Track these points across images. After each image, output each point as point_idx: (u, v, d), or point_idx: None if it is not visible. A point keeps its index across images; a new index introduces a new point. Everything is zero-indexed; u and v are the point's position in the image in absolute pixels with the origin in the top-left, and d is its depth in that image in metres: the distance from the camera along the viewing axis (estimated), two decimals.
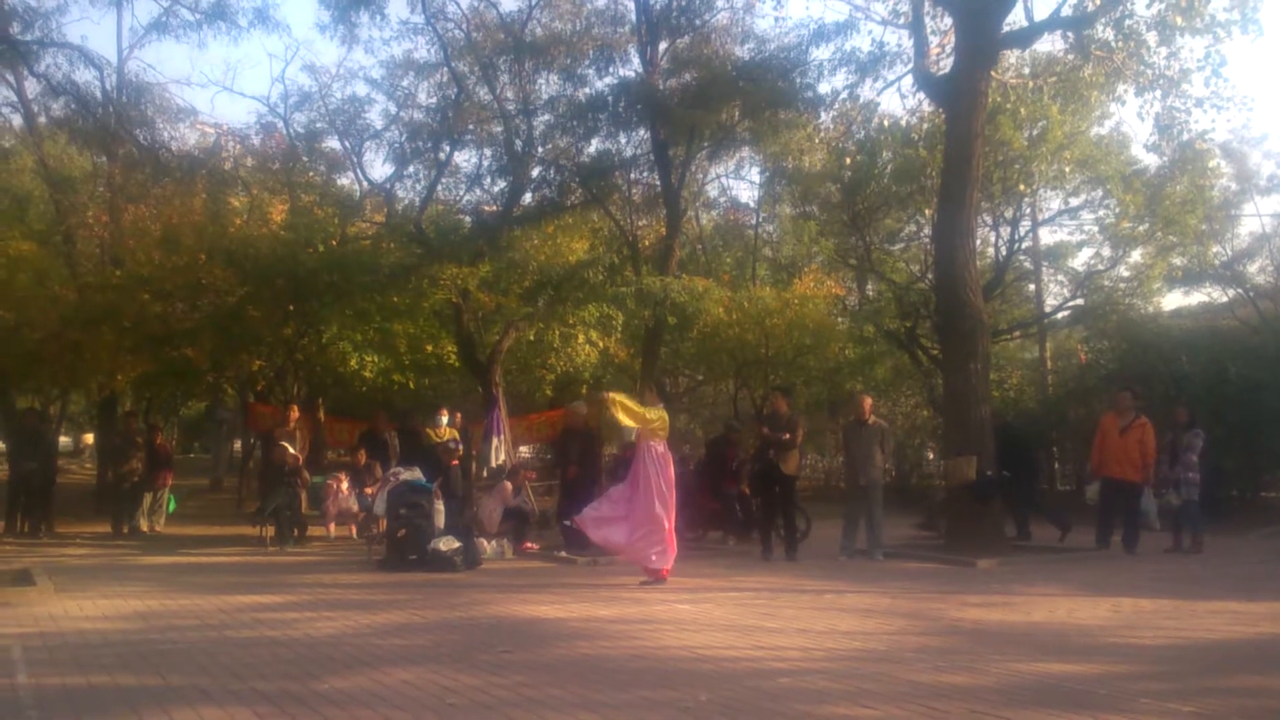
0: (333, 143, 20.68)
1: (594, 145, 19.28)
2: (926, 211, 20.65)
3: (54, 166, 20.53)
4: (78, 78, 17.91)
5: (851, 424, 13.27)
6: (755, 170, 27.61)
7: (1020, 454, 14.37)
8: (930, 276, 19.23)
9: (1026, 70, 18.74)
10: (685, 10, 18.84)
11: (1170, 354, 19.05)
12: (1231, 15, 13.51)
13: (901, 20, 16.50)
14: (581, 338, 19.26)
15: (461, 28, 18.73)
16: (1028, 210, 22.86)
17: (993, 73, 14.58)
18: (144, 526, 15.70)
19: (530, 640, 6.94)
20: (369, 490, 14.14)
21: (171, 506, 16.74)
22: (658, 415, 10.50)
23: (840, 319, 24.45)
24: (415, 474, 12.26)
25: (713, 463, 15.07)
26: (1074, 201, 22.35)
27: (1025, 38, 14.91)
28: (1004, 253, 22.91)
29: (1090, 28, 14.31)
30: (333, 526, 15.05)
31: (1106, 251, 22.97)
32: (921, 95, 17.02)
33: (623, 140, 19.37)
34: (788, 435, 12.27)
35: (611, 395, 10.71)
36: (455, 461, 14.16)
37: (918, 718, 4.86)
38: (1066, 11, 14.31)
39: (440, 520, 11.95)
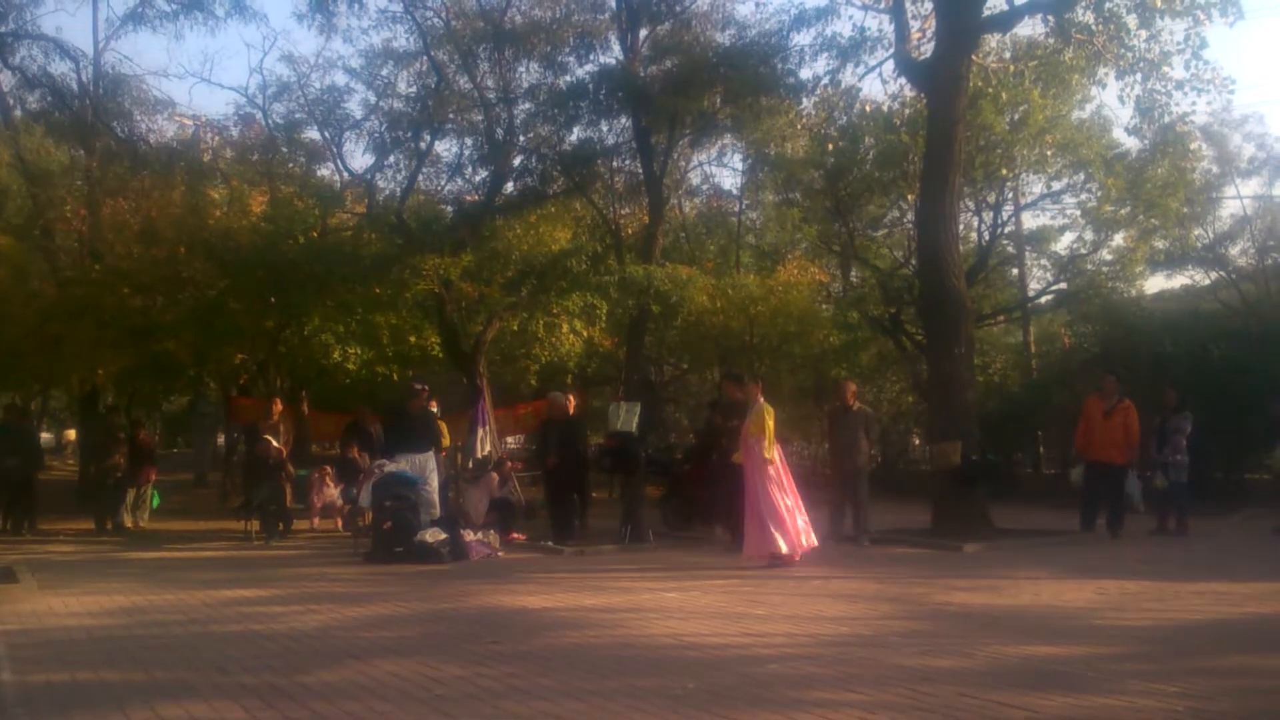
0: (312, 133, 20.56)
1: (575, 133, 19.24)
2: (909, 197, 20.64)
3: (31, 160, 20.31)
4: (53, 70, 17.87)
5: (836, 410, 13.27)
6: (738, 157, 27.64)
7: None
8: (914, 262, 19.25)
9: (1007, 54, 18.72)
10: None
11: (1153, 337, 19.15)
12: None
13: (882, 5, 16.43)
14: (566, 327, 19.19)
15: (440, 16, 18.66)
16: (1010, 195, 22.91)
17: (974, 57, 14.57)
18: (128, 522, 15.59)
19: (517, 630, 6.92)
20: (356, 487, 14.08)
21: (155, 502, 16.63)
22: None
23: (824, 305, 24.49)
24: (401, 465, 12.19)
25: (701, 450, 15.03)
26: (1056, 185, 22.36)
27: (1006, 21, 14.87)
28: (987, 237, 22.94)
29: (1071, 10, 14.29)
30: (317, 520, 14.99)
31: (1089, 235, 23.02)
32: (903, 80, 16.99)
33: (604, 128, 19.33)
34: (737, 423, 11.84)
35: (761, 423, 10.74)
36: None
37: (905, 701, 4.86)
38: None
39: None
